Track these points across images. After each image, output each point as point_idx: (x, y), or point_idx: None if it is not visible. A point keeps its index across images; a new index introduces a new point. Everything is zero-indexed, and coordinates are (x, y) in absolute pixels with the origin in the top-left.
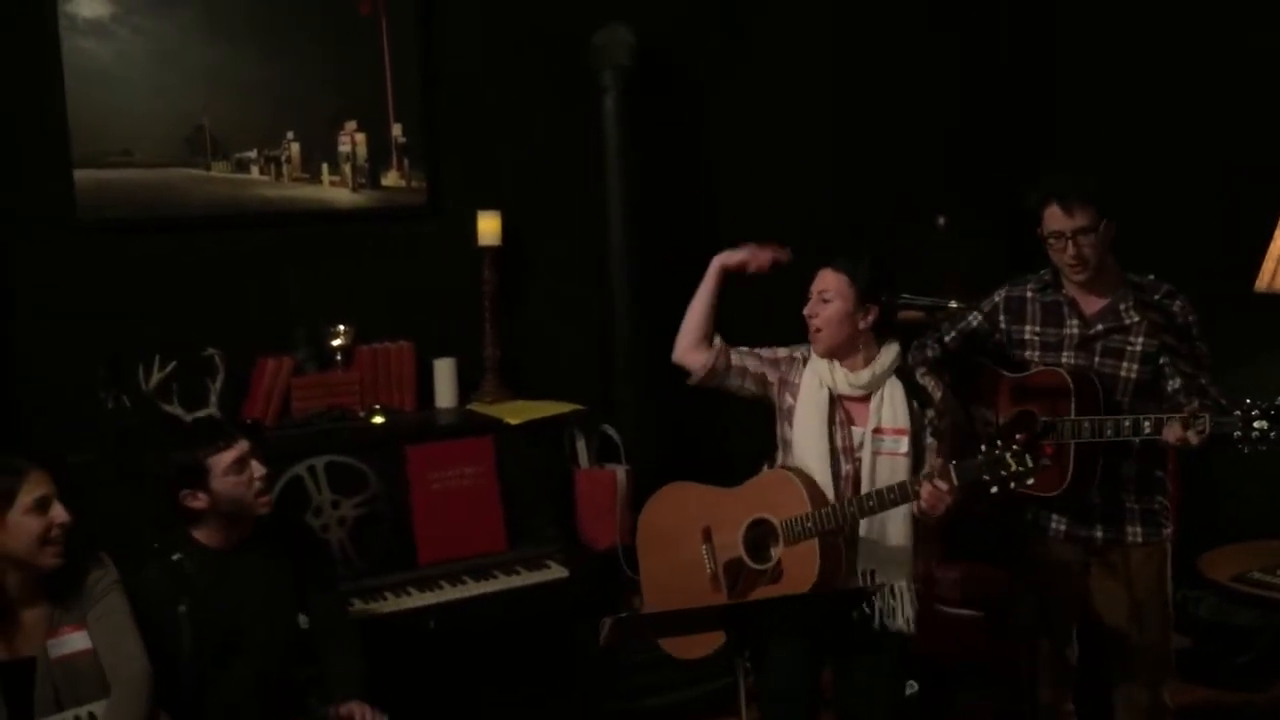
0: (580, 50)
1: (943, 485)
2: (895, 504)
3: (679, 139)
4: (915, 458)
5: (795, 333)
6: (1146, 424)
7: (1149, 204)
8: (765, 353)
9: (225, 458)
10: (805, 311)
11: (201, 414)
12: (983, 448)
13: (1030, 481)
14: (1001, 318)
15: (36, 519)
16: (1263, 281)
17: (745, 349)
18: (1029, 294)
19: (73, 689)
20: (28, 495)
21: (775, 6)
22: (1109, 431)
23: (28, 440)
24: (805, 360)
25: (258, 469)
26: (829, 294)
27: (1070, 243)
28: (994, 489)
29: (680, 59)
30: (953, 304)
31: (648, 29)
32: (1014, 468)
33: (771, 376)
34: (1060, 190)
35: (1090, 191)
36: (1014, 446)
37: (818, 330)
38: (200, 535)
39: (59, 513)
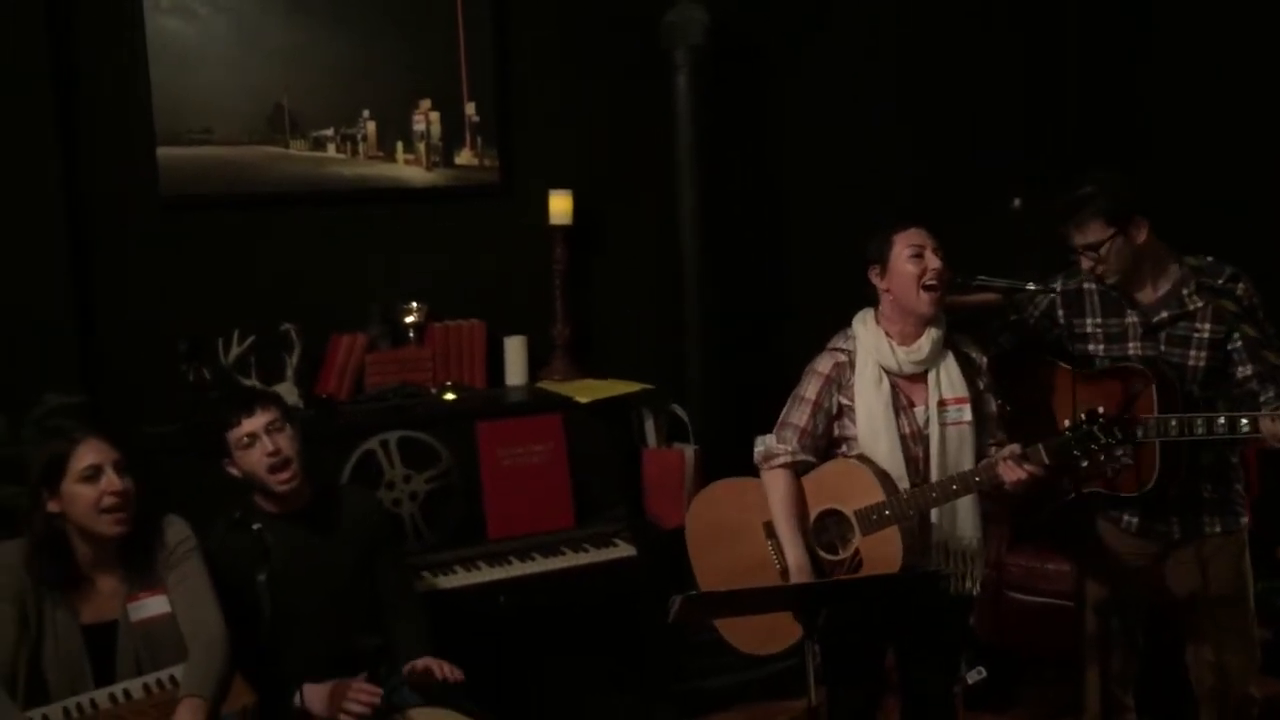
0: (653, 28)
1: (1035, 469)
2: (977, 487)
3: (751, 118)
4: (977, 424)
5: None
6: (1244, 422)
7: (1240, 188)
8: (815, 392)
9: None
10: (1094, 270)
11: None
12: (1067, 422)
13: (1120, 454)
14: (1060, 312)
15: (89, 487)
16: None
17: (804, 420)
18: (1086, 285)
19: (153, 653)
20: (78, 464)
21: None
22: (1200, 429)
23: (111, 410)
24: (852, 357)
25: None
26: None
27: (1084, 257)
28: (1084, 464)
29: (753, 36)
30: (1030, 285)
31: (720, 6)
32: (1103, 440)
33: (831, 404)
34: (1064, 213)
35: (1093, 207)
36: (1100, 420)
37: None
38: (262, 503)
39: (110, 481)
